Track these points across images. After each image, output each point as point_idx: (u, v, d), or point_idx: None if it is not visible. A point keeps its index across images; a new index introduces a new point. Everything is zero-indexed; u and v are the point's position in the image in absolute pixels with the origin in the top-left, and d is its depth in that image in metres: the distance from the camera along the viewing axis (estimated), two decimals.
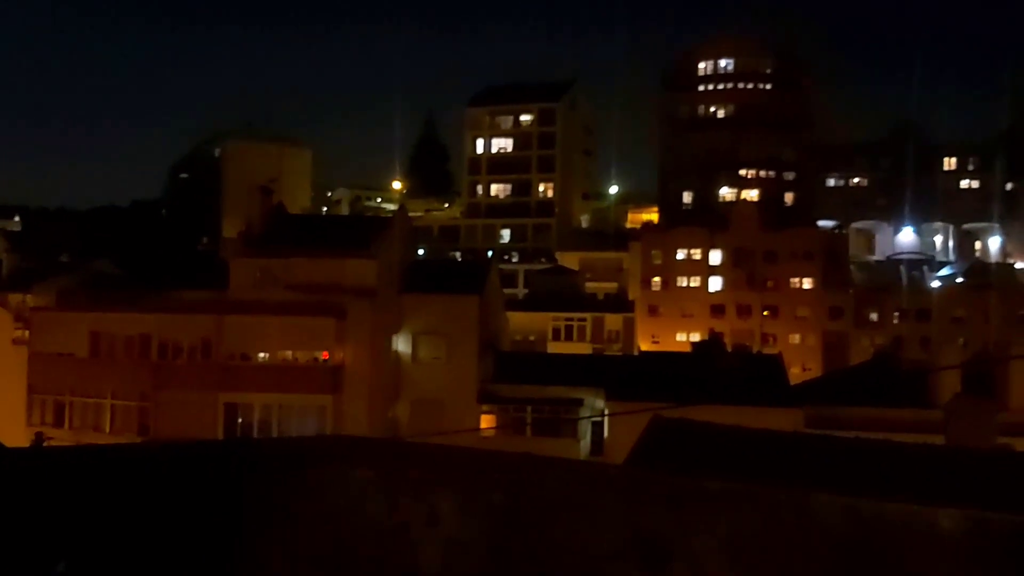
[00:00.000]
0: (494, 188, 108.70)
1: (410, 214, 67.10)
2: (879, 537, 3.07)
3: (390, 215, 61.90)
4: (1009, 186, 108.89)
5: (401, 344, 44.01)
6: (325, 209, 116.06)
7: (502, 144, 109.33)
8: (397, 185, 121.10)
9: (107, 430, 42.07)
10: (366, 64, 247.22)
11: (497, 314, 50.09)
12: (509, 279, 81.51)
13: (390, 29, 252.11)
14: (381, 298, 42.60)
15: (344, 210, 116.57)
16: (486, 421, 42.04)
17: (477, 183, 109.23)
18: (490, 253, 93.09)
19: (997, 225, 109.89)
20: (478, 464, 3.61)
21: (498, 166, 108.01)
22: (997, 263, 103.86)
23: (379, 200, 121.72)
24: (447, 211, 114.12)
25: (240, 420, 40.82)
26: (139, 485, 3.90)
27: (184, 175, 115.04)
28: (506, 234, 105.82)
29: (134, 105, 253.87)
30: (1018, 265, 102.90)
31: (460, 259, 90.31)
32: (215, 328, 41.69)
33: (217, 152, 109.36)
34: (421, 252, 75.70)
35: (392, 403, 43.21)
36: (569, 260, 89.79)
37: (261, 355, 42.57)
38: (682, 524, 3.07)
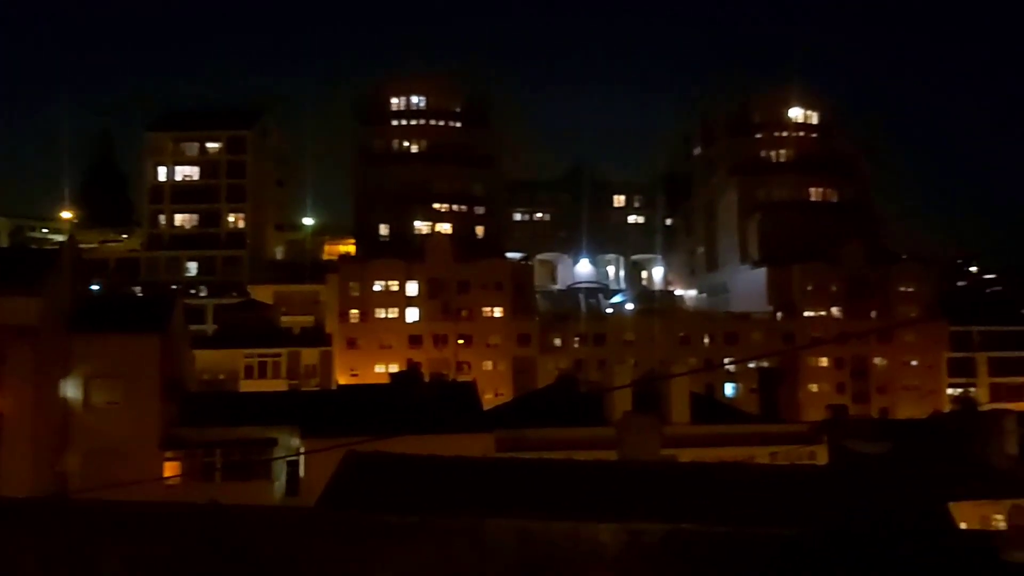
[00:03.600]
0: (179, 218, 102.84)
1: (82, 246, 61.67)
2: (548, 556, 3.28)
3: (57, 247, 56.39)
4: (668, 221, 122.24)
5: (71, 389, 40.03)
6: None
7: (187, 172, 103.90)
8: (67, 214, 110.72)
9: None
10: (31, 80, 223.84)
11: (183, 353, 47.25)
12: (197, 314, 77.42)
13: (59, 45, 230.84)
14: (46, 339, 38.58)
15: (3, 242, 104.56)
16: (171, 468, 39.30)
17: (160, 213, 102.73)
18: (175, 287, 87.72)
19: (659, 256, 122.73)
20: (148, 519, 3.39)
21: (183, 195, 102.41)
22: (660, 290, 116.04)
23: (45, 231, 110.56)
24: (125, 242, 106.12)
25: None
26: None
27: None
28: (193, 267, 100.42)
29: None
30: (677, 292, 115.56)
31: (141, 294, 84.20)
32: None
33: None
34: (96, 287, 69.61)
35: (60, 455, 39.08)
36: (262, 293, 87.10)
37: None
38: (362, 560, 3.09)
